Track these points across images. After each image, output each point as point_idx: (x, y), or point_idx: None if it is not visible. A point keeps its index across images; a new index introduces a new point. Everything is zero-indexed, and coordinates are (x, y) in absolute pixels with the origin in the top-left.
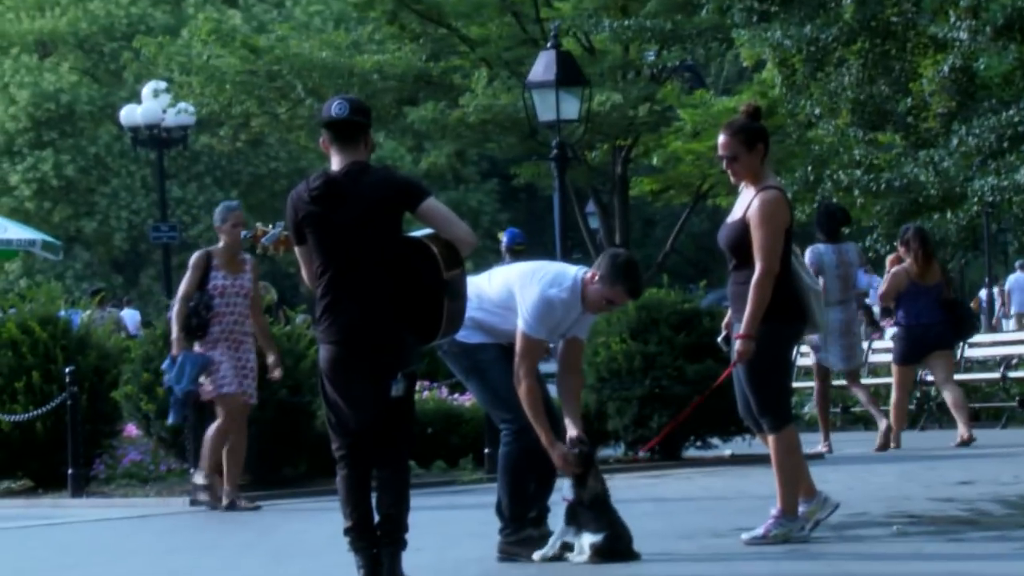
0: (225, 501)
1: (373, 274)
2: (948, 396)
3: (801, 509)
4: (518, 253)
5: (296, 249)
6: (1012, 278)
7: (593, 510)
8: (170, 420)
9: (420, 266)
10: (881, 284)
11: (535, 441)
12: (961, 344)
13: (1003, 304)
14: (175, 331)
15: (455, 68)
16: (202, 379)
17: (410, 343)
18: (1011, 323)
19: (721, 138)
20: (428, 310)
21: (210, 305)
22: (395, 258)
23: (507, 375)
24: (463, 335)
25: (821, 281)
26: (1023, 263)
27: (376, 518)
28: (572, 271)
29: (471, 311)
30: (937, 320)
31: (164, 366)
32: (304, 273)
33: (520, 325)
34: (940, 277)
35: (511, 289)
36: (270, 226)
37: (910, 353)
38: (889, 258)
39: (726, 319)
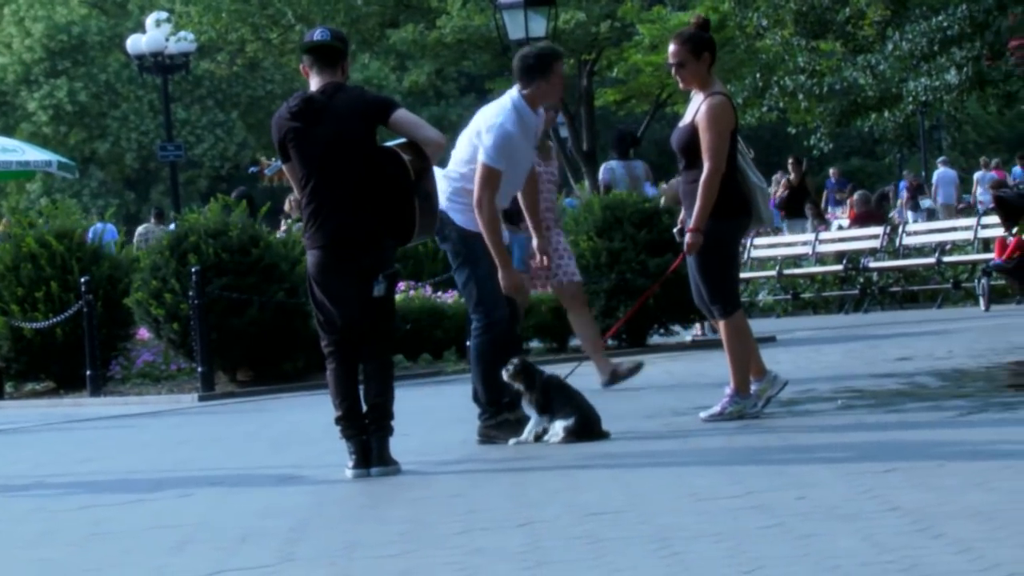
0: (606, 377)
1: (352, 182)
2: None
3: (753, 387)
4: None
5: (283, 167)
6: (937, 173)
7: (560, 399)
8: None
9: (392, 171)
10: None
11: (502, 333)
12: (900, 233)
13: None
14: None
15: None
16: None
17: (389, 245)
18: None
19: (671, 47)
20: (403, 212)
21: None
22: (371, 166)
23: (493, 274)
24: (463, 220)
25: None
26: (944, 159)
27: (364, 407)
28: (508, 99)
29: (458, 182)
30: None
31: None
32: (293, 186)
33: (481, 156)
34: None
35: (473, 141)
36: (272, 159)
37: None
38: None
39: (680, 215)
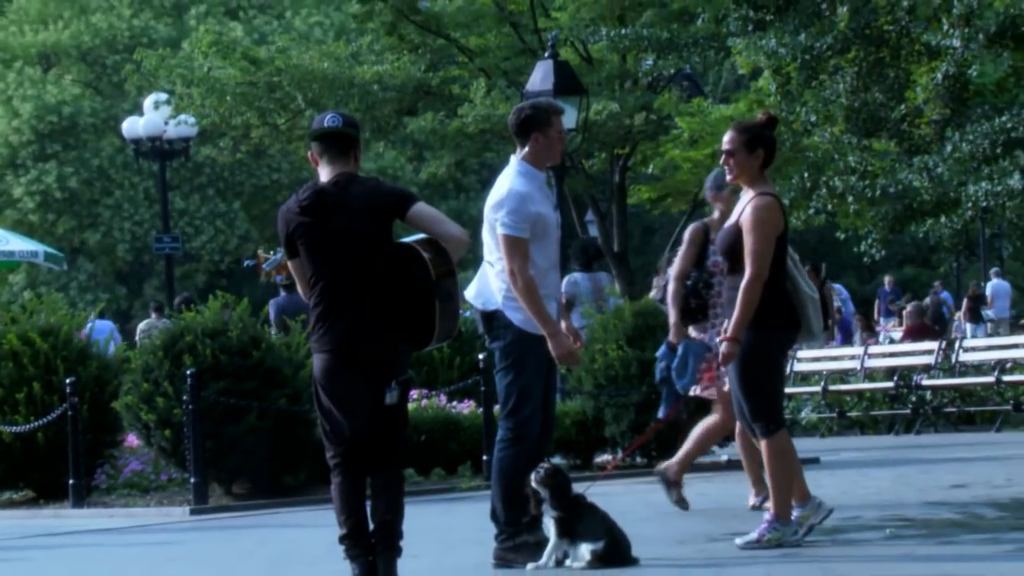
0: (755, 501)
1: (365, 282)
2: None
3: (795, 514)
4: (288, 288)
5: (289, 264)
6: (990, 285)
7: (587, 519)
8: (660, 414)
9: (410, 271)
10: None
11: (530, 450)
12: (956, 348)
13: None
14: (673, 315)
15: (454, 78)
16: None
17: (403, 350)
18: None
19: (728, 133)
20: (421, 315)
21: (710, 284)
22: (386, 265)
23: (538, 385)
24: (521, 320)
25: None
26: (997, 270)
27: (371, 525)
28: (510, 166)
29: (505, 291)
30: None
31: (660, 353)
32: (299, 286)
33: (499, 230)
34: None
35: (491, 223)
36: (271, 252)
37: None
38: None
39: (723, 325)
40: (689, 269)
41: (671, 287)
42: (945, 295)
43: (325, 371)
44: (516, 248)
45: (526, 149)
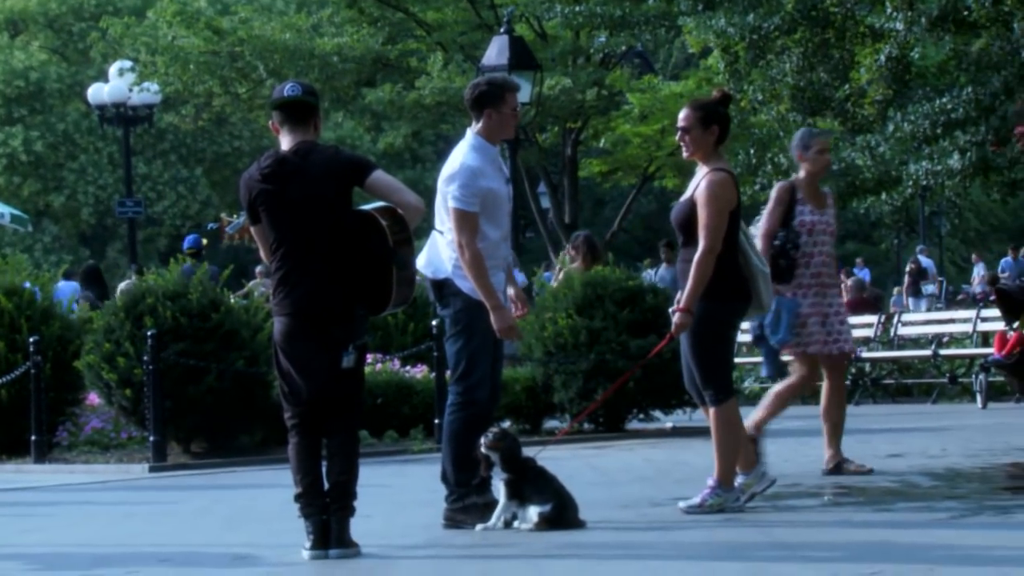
0: (830, 466)
1: (324, 248)
2: None
3: (739, 480)
4: (196, 255)
5: (251, 229)
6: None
7: (537, 482)
8: (764, 373)
9: (368, 237)
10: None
11: (480, 415)
12: (895, 322)
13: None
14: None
15: (412, 51)
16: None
17: (361, 315)
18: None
19: (683, 111)
20: (378, 281)
21: (797, 244)
22: (345, 231)
23: (486, 351)
24: (469, 288)
25: None
26: (922, 248)
27: (326, 485)
28: (462, 143)
29: (454, 260)
30: None
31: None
32: (261, 250)
33: (450, 203)
34: None
35: (444, 194)
36: (234, 216)
37: None
38: None
39: (677, 295)
40: (776, 228)
41: (759, 245)
42: (864, 272)
43: (284, 334)
44: (465, 222)
45: (480, 124)
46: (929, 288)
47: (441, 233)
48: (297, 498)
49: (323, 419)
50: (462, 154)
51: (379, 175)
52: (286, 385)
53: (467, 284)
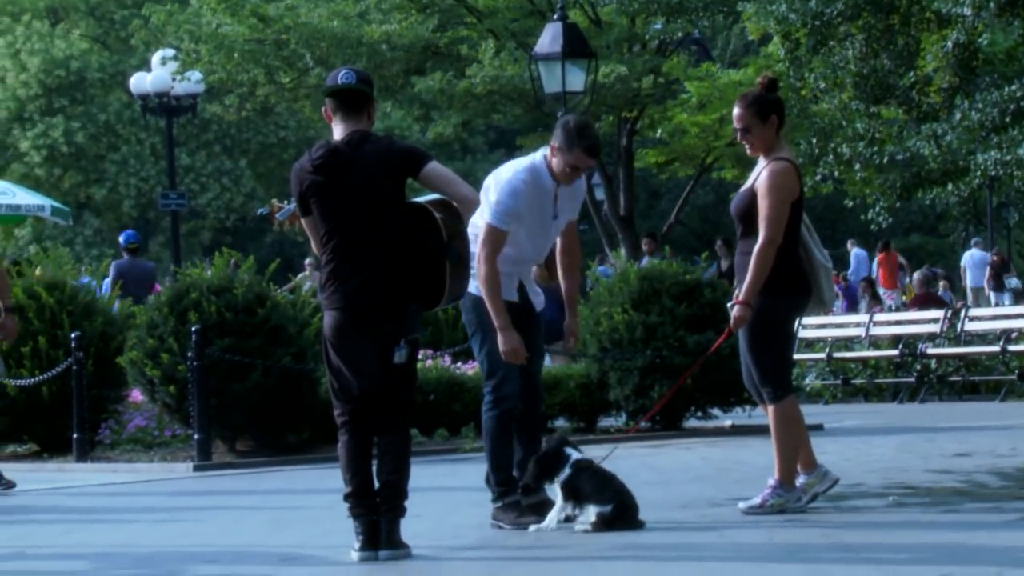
0: None
1: (377, 241)
2: None
3: (800, 481)
4: (133, 251)
5: (303, 220)
6: (967, 255)
7: (595, 481)
8: None
9: (422, 231)
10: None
11: (509, 407)
12: (962, 317)
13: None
14: None
15: (462, 39)
16: None
17: (413, 309)
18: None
19: (736, 110)
20: (431, 275)
21: None
22: (398, 224)
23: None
24: (476, 287)
25: None
26: (977, 240)
27: (376, 485)
28: (533, 156)
29: (472, 246)
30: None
31: None
32: (312, 242)
33: (486, 216)
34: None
35: (481, 200)
36: (285, 202)
37: None
38: None
39: (735, 290)
40: None
41: None
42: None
43: (335, 329)
44: (491, 237)
45: (553, 158)
46: (1013, 282)
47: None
48: (346, 498)
49: (374, 417)
50: (520, 168)
51: (434, 166)
52: (336, 381)
53: (474, 283)
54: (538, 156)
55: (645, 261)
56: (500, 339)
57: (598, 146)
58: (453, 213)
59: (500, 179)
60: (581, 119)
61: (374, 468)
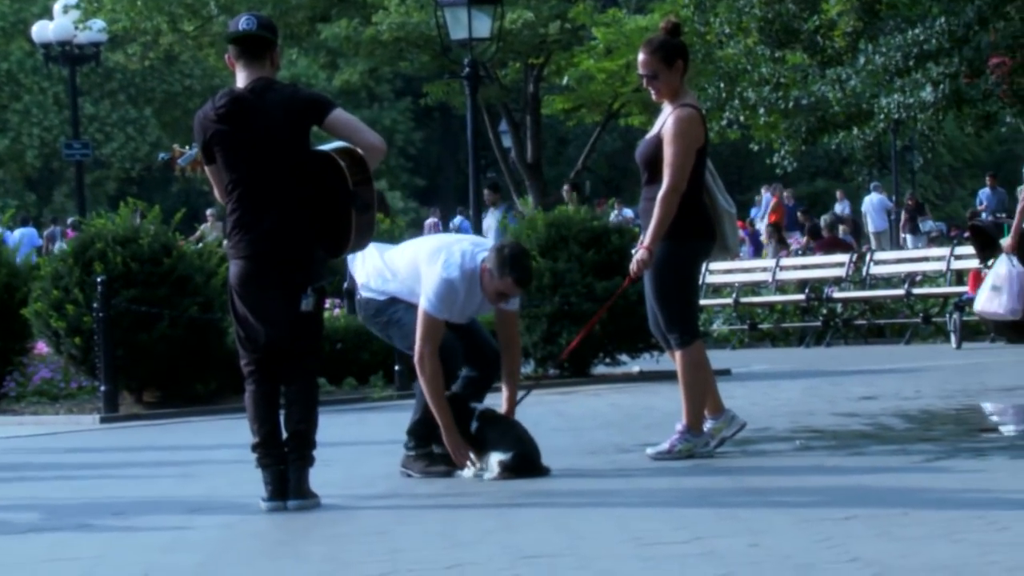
0: None
1: (281, 189)
2: None
3: (708, 425)
4: None
5: (207, 168)
6: (867, 199)
7: (499, 428)
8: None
9: (327, 179)
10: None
11: (452, 370)
12: (867, 261)
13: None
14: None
15: None
16: None
17: (320, 257)
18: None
19: (641, 56)
20: (336, 223)
21: None
22: (303, 172)
23: (407, 309)
24: (375, 295)
25: None
26: (877, 184)
27: (284, 434)
28: (479, 256)
29: (384, 281)
30: None
31: None
32: (216, 191)
33: (422, 303)
34: None
35: (418, 266)
36: (187, 147)
37: None
38: None
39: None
40: None
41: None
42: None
43: (241, 278)
44: (430, 328)
45: (485, 276)
46: (928, 224)
47: (383, 269)
48: (254, 448)
49: (281, 366)
50: (461, 271)
51: (339, 114)
52: (242, 331)
53: (376, 296)
54: (478, 264)
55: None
56: (447, 440)
57: (530, 278)
58: (358, 161)
59: (440, 275)
60: (517, 248)
61: (282, 418)
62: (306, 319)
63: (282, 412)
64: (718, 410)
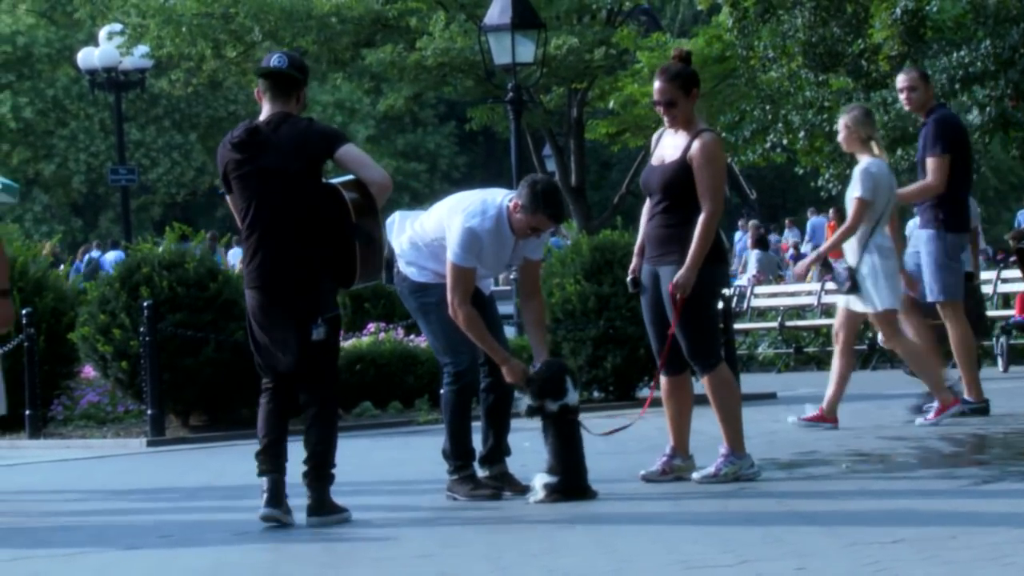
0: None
1: (290, 220)
2: None
3: (675, 462)
4: None
5: (227, 198)
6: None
7: (552, 447)
8: None
9: (332, 210)
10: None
11: (472, 383)
12: None
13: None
14: None
15: (412, 11)
16: None
17: (327, 287)
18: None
19: (657, 84)
20: (344, 254)
21: None
22: (313, 204)
23: (445, 320)
24: (413, 273)
25: None
26: (813, 208)
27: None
28: (499, 199)
29: (417, 249)
30: None
31: None
32: (237, 221)
33: (449, 255)
34: None
35: (443, 222)
36: None
37: None
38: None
39: (632, 264)
40: None
41: None
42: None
43: (255, 307)
44: (458, 278)
45: (516, 214)
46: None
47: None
48: (257, 455)
49: (299, 390)
50: (483, 216)
51: (349, 148)
52: (260, 357)
53: (414, 270)
54: (503, 205)
55: None
56: (505, 370)
57: (563, 213)
58: (365, 194)
59: (463, 224)
60: (550, 184)
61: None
62: (319, 347)
63: (300, 435)
64: (685, 451)
